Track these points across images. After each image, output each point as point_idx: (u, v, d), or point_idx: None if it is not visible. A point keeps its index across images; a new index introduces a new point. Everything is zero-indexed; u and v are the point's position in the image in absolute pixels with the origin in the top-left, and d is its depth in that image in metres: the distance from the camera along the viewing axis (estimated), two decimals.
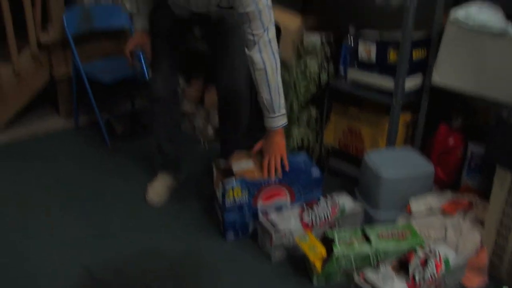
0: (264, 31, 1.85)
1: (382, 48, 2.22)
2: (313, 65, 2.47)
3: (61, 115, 3.31)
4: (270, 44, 1.89)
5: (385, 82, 2.23)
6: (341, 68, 2.48)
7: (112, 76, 2.87)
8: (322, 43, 2.49)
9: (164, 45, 2.20)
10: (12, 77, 2.97)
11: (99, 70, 2.95)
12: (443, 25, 2.07)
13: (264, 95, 1.96)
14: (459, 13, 1.95)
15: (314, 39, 2.51)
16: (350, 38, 2.41)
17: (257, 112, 2.85)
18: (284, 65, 2.48)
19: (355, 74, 2.38)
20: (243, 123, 2.33)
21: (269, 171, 2.03)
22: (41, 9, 3.01)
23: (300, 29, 2.64)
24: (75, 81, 3.05)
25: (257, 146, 2.14)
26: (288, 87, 2.43)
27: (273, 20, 1.89)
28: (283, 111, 2.01)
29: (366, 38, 2.28)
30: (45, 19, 3.07)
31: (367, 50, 2.28)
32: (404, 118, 2.31)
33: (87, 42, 3.13)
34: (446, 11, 2.04)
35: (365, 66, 2.31)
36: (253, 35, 1.85)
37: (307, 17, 2.74)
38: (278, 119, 2.01)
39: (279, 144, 2.05)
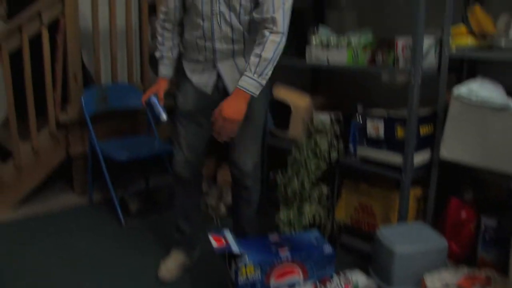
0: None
1: (389, 125, 2.29)
2: (323, 143, 2.52)
3: (75, 192, 3.36)
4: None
5: (394, 158, 2.27)
6: (351, 145, 2.54)
7: (127, 154, 2.93)
8: (331, 121, 2.56)
9: (185, 123, 2.22)
10: (30, 154, 3.06)
11: (115, 148, 3.03)
12: (447, 102, 2.14)
13: (265, 54, 1.87)
14: (462, 89, 2.03)
15: (323, 117, 2.59)
16: (359, 116, 2.48)
17: (269, 189, 2.89)
18: (295, 144, 2.54)
19: (364, 151, 2.42)
20: (255, 200, 2.35)
21: (219, 134, 1.96)
22: (61, 90, 3.16)
23: (310, 108, 2.73)
24: (90, 159, 3.13)
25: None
26: (299, 165, 2.47)
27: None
28: (263, 83, 1.92)
29: (374, 116, 2.35)
30: (64, 99, 3.21)
31: (375, 127, 2.35)
32: (415, 192, 2.33)
33: (103, 121, 3.24)
34: (449, 89, 2.12)
35: (374, 142, 2.37)
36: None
37: (316, 97, 2.84)
38: (255, 84, 1.90)
39: (241, 109, 1.93)
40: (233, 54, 2.05)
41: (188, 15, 2.08)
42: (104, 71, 3.43)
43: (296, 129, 2.75)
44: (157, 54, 2.25)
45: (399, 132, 2.25)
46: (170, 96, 2.27)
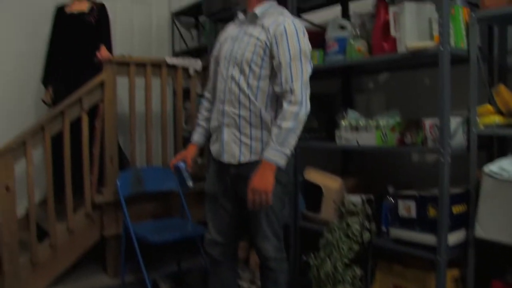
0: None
1: (421, 205, 2.27)
2: (355, 224, 2.50)
3: (108, 273, 3.36)
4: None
5: (428, 238, 2.23)
6: (383, 226, 2.51)
7: (161, 237, 2.94)
8: (363, 202, 2.56)
9: (211, 205, 2.26)
10: (66, 234, 3.12)
11: (148, 230, 3.05)
12: (479, 180, 2.13)
13: (286, 124, 1.94)
14: (493, 167, 2.02)
15: (354, 199, 2.59)
16: (390, 196, 2.48)
17: (302, 272, 2.84)
18: (327, 226, 2.53)
19: (397, 232, 2.39)
20: (283, 282, 2.26)
21: (254, 205, 2.00)
22: (97, 172, 3.28)
23: (341, 190, 2.74)
24: (124, 240, 3.16)
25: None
26: (331, 246, 2.45)
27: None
28: (288, 152, 1.97)
29: (405, 196, 2.34)
30: (100, 181, 3.32)
31: (406, 208, 2.33)
32: (452, 274, 2.25)
33: (137, 203, 3.31)
34: (480, 166, 2.12)
35: (406, 223, 2.34)
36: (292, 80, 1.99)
37: (347, 179, 2.86)
38: (278, 154, 1.95)
39: (269, 180, 1.96)
40: (239, 121, 2.09)
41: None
42: (139, 154, 3.55)
43: (327, 211, 2.75)
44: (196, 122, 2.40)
45: (431, 211, 2.23)
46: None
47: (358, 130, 2.60)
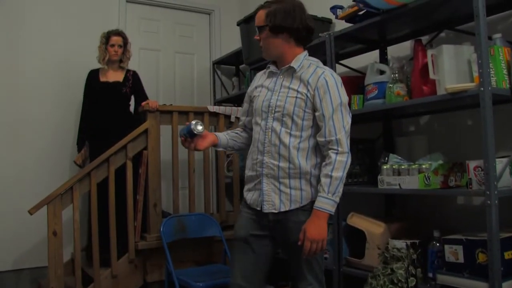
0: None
1: (469, 250, 2.20)
2: (400, 270, 2.44)
3: None
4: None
5: (478, 285, 2.14)
6: (429, 272, 2.43)
7: (203, 283, 2.93)
8: (407, 247, 2.50)
9: (241, 250, 2.20)
10: (110, 279, 3.16)
11: (191, 277, 3.04)
12: None
13: (336, 173, 2.00)
14: None
15: (399, 244, 2.53)
16: (435, 241, 2.41)
17: None
18: (371, 272, 2.48)
19: (444, 278, 2.31)
20: None
21: (309, 253, 2.01)
22: (141, 219, 3.34)
23: (385, 235, 2.69)
24: (166, 286, 3.17)
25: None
26: None
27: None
28: (338, 200, 2.02)
29: (451, 240, 2.27)
30: (144, 228, 3.37)
31: (453, 253, 2.26)
32: None
33: (180, 248, 3.33)
34: None
35: (454, 269, 2.26)
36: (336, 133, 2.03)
37: (391, 223, 2.80)
38: (330, 202, 2.00)
39: (324, 228, 2.02)
40: (278, 172, 2.09)
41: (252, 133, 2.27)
42: (182, 200, 3.60)
43: (371, 256, 2.69)
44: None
45: (481, 257, 2.15)
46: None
47: (400, 174, 2.57)
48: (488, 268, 2.08)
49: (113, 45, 3.79)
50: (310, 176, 2.09)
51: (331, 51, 2.92)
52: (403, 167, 2.56)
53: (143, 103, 3.54)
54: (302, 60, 2.15)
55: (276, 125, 2.10)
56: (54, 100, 4.10)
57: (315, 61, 2.18)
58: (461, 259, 2.22)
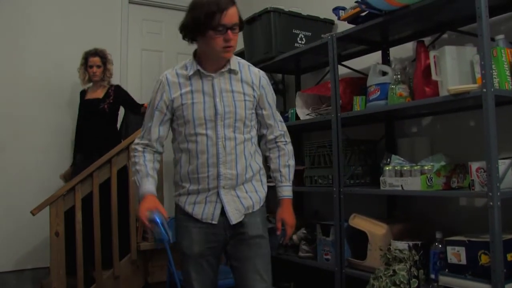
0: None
1: (471, 251, 2.19)
2: (402, 272, 2.43)
3: None
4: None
5: (481, 287, 2.13)
6: (431, 273, 2.43)
7: None
8: (409, 249, 2.49)
9: (197, 266, 2.09)
10: (112, 279, 3.16)
11: None
12: None
13: (292, 162, 2.22)
14: None
15: (401, 245, 2.53)
16: (437, 242, 2.41)
17: None
18: (373, 273, 2.47)
19: (446, 279, 2.30)
20: None
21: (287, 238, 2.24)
22: None
23: (387, 236, 2.68)
24: (168, 287, 3.17)
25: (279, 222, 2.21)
26: None
27: None
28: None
29: (454, 242, 2.27)
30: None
31: (456, 254, 2.25)
32: None
33: None
34: None
35: (456, 270, 2.25)
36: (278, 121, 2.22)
37: (393, 225, 2.79)
38: (291, 189, 2.21)
39: (293, 214, 2.22)
40: (236, 181, 2.06)
41: (184, 145, 2.06)
42: None
43: (373, 257, 2.69)
44: (139, 175, 2.09)
45: (483, 258, 2.14)
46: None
47: (402, 175, 2.57)
48: (490, 270, 2.07)
49: (91, 66, 3.85)
50: (259, 174, 2.15)
51: (333, 52, 2.91)
52: (405, 168, 2.55)
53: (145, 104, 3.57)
54: (237, 61, 2.11)
55: (229, 133, 2.03)
56: (55, 100, 4.12)
57: (242, 60, 2.16)
58: (463, 261, 2.21)
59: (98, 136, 3.82)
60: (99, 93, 3.92)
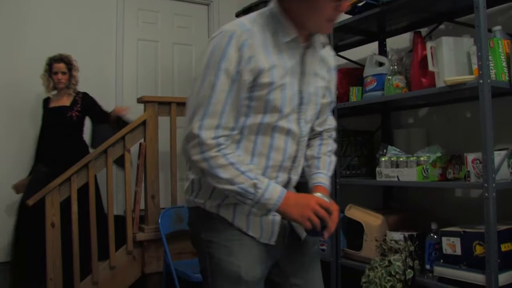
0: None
1: (466, 242, 2.20)
2: (397, 262, 2.45)
3: None
4: None
5: (475, 277, 2.14)
6: (427, 264, 2.44)
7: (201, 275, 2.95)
8: (405, 240, 2.50)
9: None
10: (108, 270, 3.17)
11: (189, 268, 3.05)
12: None
13: (333, 157, 1.70)
14: None
15: (397, 236, 2.54)
16: (433, 233, 2.42)
17: None
18: (369, 264, 2.48)
19: (441, 270, 2.31)
20: None
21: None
22: (139, 211, 3.35)
23: (383, 227, 2.69)
24: (165, 278, 3.18)
25: None
26: (373, 285, 2.39)
27: None
28: None
29: (449, 233, 2.28)
30: (142, 219, 3.38)
31: (451, 245, 2.26)
32: None
33: (178, 240, 3.32)
34: None
35: (451, 261, 2.26)
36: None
37: (389, 216, 2.80)
38: (328, 179, 1.65)
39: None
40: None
41: (251, 137, 1.47)
42: (180, 192, 3.60)
43: (369, 248, 2.70)
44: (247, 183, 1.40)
45: (478, 249, 2.15)
46: None
47: (398, 166, 2.57)
48: (485, 260, 2.08)
49: (56, 73, 3.69)
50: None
51: (330, 42, 2.90)
52: (401, 159, 2.55)
53: (118, 111, 3.56)
54: None
55: (307, 130, 1.59)
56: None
57: None
58: (458, 251, 2.22)
59: (64, 145, 3.66)
60: (65, 101, 3.76)
